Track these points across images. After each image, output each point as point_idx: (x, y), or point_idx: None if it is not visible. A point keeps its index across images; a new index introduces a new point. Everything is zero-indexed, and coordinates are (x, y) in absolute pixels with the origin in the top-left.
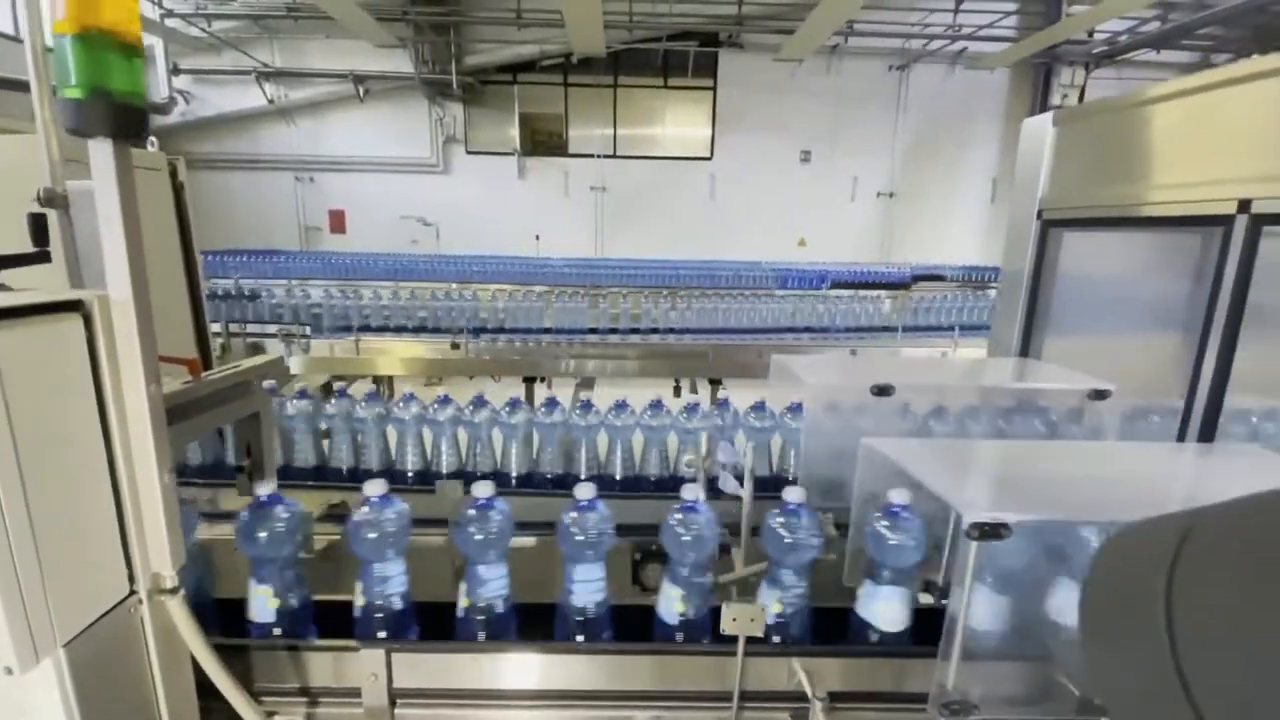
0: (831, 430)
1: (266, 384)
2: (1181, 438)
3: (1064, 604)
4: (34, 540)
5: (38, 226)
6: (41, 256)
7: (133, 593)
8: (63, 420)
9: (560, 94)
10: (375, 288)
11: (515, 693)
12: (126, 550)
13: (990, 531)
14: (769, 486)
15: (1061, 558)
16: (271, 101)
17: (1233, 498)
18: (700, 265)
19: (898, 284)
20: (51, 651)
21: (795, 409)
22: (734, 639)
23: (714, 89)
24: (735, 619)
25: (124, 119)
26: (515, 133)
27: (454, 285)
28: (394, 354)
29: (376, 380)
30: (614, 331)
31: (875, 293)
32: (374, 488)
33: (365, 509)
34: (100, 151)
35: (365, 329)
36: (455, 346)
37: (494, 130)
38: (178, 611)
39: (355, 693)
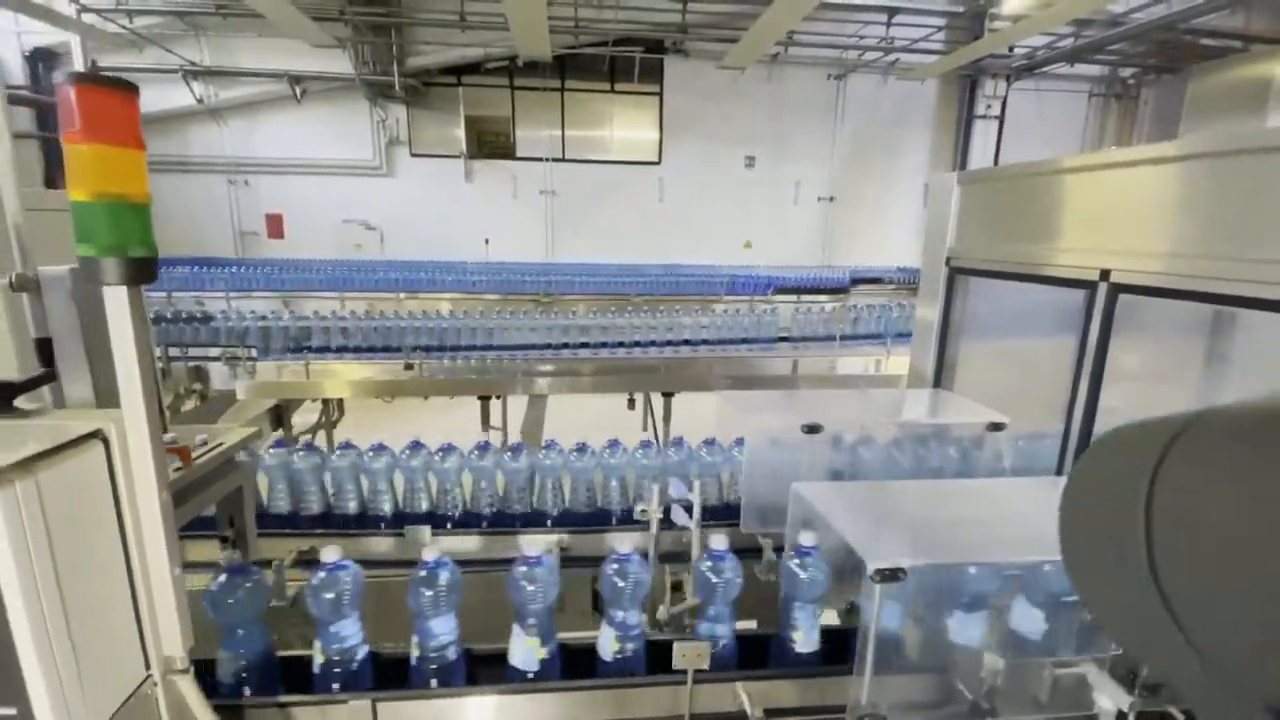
0: (771, 462)
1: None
2: (1060, 464)
3: (957, 625)
4: (71, 641)
5: (44, 350)
6: (49, 377)
7: (148, 675)
8: (89, 533)
9: (507, 96)
10: (321, 299)
11: None
12: (142, 638)
13: (890, 575)
14: (720, 515)
15: (954, 588)
16: (200, 101)
17: (1225, 404)
18: (652, 271)
19: (837, 288)
20: None
21: (742, 442)
22: (683, 671)
23: (660, 94)
24: (685, 655)
25: (138, 269)
26: (461, 135)
27: (402, 296)
28: (345, 376)
29: (325, 402)
30: (567, 347)
31: (817, 297)
32: (330, 553)
33: (322, 574)
34: (116, 297)
35: (314, 349)
36: (409, 367)
37: (439, 132)
38: (189, 690)
39: None
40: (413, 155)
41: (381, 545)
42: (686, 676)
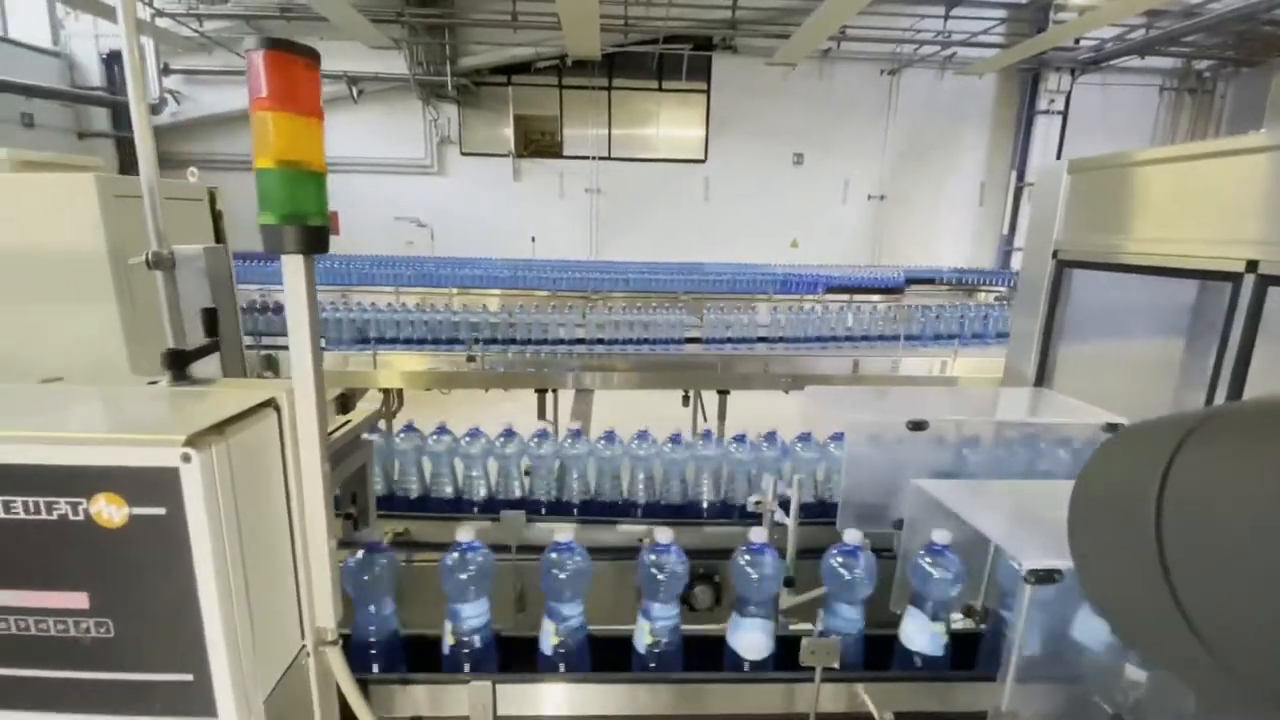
0: (871, 461)
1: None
2: None
3: (1093, 633)
4: (249, 609)
5: (210, 320)
6: (215, 346)
7: (302, 646)
8: (264, 501)
9: (555, 96)
10: (377, 293)
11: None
12: (299, 608)
13: (1045, 576)
14: (813, 513)
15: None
16: None
17: (1239, 400)
18: (700, 269)
19: (891, 288)
20: (256, 706)
21: (837, 438)
22: (803, 667)
23: (708, 92)
24: (814, 651)
25: (314, 238)
26: (510, 134)
27: (454, 291)
28: (408, 367)
29: (385, 392)
30: (620, 342)
31: (869, 297)
32: (464, 533)
33: (455, 554)
34: (292, 265)
35: (380, 340)
36: (471, 359)
37: (489, 132)
38: (337, 662)
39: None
40: (463, 154)
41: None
42: (814, 674)
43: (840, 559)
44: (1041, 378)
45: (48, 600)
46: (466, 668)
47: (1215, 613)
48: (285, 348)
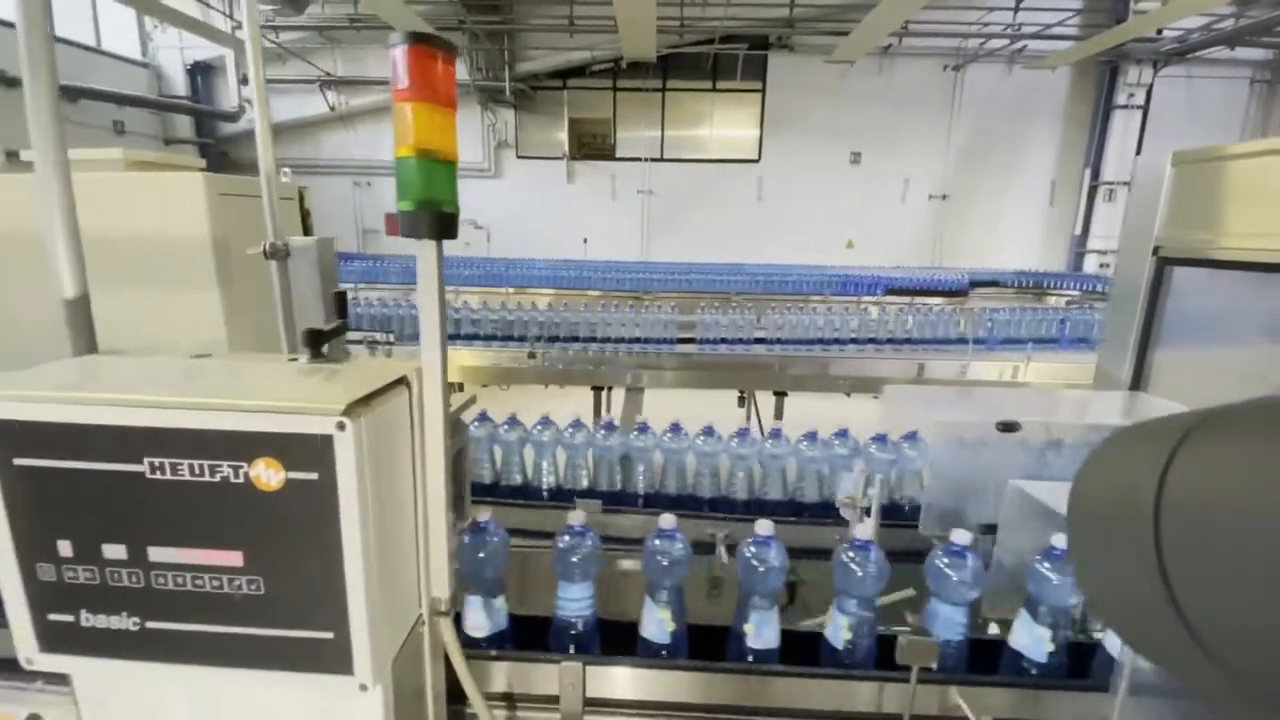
0: (957, 463)
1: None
2: None
3: None
4: (382, 573)
5: (339, 302)
6: (345, 327)
7: (419, 614)
8: (397, 473)
9: (609, 98)
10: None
11: (691, 706)
12: (418, 579)
13: None
14: (888, 515)
15: None
16: (333, 109)
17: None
18: (753, 271)
19: (955, 291)
20: (385, 668)
21: (911, 437)
22: (898, 666)
23: (763, 91)
24: (912, 650)
25: (444, 224)
26: (564, 137)
27: (509, 290)
28: (471, 362)
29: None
30: (679, 341)
31: (930, 299)
32: (576, 516)
33: (567, 536)
34: (425, 250)
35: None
36: (532, 356)
37: (544, 135)
38: (448, 632)
39: (553, 699)
40: (518, 157)
41: (544, 518)
42: (910, 674)
43: (946, 559)
44: (1137, 382)
45: (206, 557)
46: (571, 648)
47: (1215, 617)
48: (358, 342)
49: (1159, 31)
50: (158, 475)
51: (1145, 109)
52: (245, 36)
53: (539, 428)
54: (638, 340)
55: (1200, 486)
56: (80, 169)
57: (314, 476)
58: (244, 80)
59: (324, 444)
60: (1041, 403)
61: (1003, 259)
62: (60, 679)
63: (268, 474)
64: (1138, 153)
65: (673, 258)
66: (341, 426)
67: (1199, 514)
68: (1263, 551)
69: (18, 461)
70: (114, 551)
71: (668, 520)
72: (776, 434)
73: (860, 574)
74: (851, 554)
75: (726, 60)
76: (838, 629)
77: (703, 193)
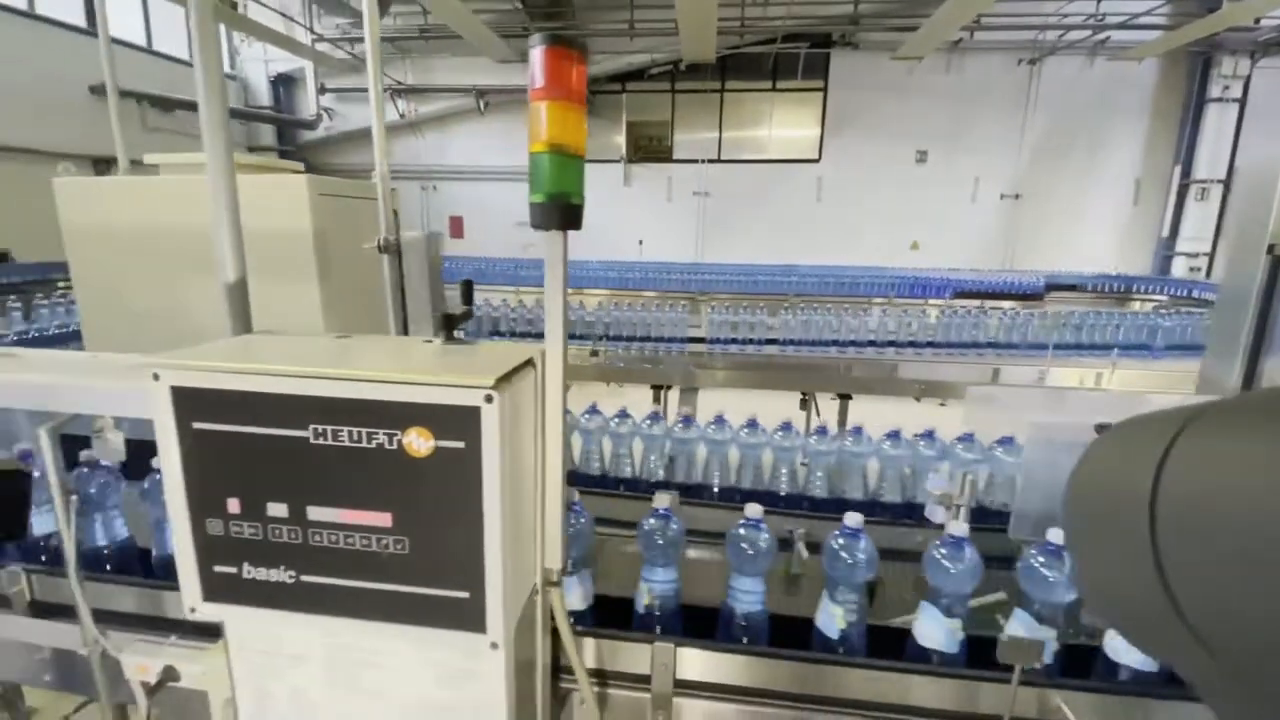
0: (1051, 467)
1: None
2: None
3: None
4: (514, 539)
5: (466, 290)
6: (470, 314)
7: (534, 585)
8: (525, 447)
9: (667, 101)
10: (498, 292)
11: (779, 694)
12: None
13: None
14: (973, 519)
15: None
16: (402, 116)
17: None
18: (813, 272)
19: (1030, 294)
20: (510, 630)
21: (1005, 442)
22: (996, 666)
23: (824, 90)
24: (1016, 650)
25: (571, 215)
26: (622, 140)
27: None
28: None
29: None
30: (746, 342)
31: (1002, 303)
32: (661, 500)
33: (653, 520)
34: (553, 241)
35: (511, 335)
36: (594, 354)
37: (602, 139)
38: (558, 602)
39: (644, 679)
40: None
41: (621, 507)
42: (1013, 674)
43: (1042, 559)
44: (1248, 388)
45: (359, 518)
46: (657, 629)
47: (1211, 610)
48: (429, 340)
49: (1257, 21)
50: (320, 441)
51: (1242, 102)
52: (367, 53)
53: (617, 420)
54: (699, 340)
55: (1197, 478)
56: (200, 172)
57: (460, 445)
58: (322, 90)
59: (472, 415)
60: (1139, 408)
61: (1080, 261)
62: (195, 632)
63: (418, 441)
64: (1234, 149)
65: (729, 260)
66: (489, 399)
67: (1195, 506)
68: (1259, 543)
69: (196, 425)
70: (277, 510)
71: (754, 510)
72: (857, 431)
73: (953, 570)
74: (944, 550)
75: (787, 59)
76: (929, 626)
77: (760, 194)
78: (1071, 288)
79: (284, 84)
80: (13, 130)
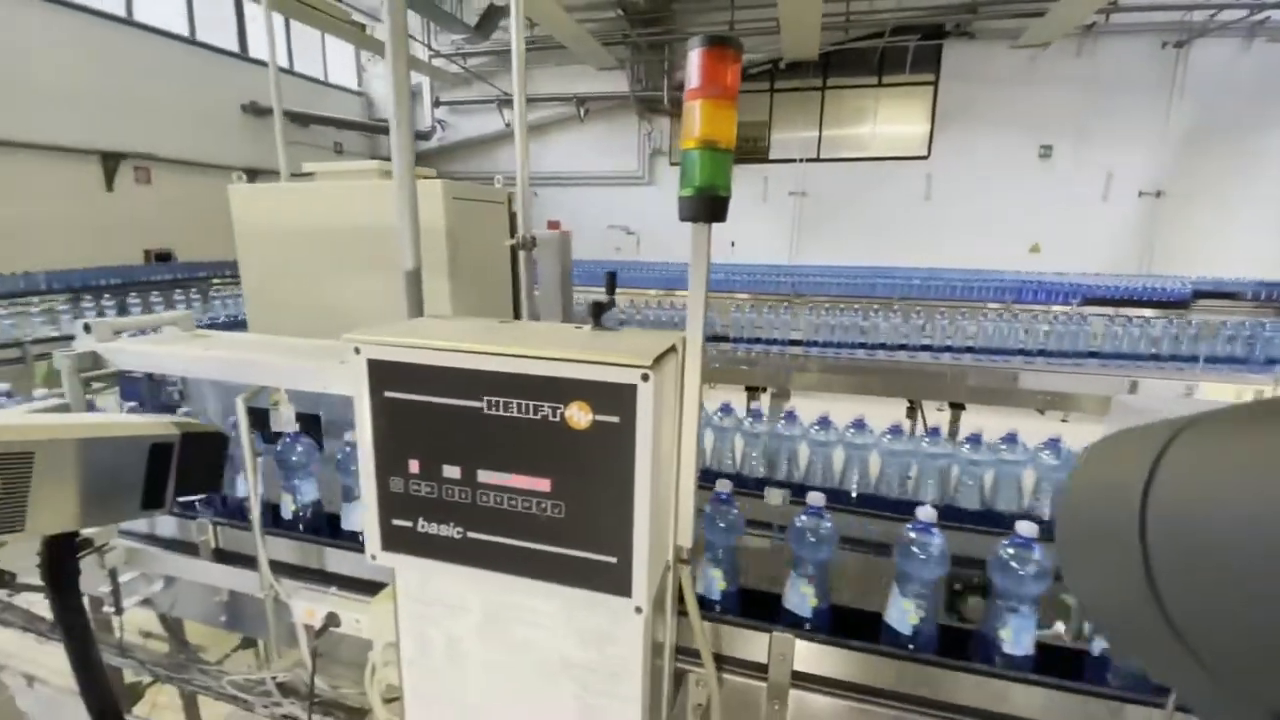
0: None
1: None
2: None
3: None
4: (656, 512)
5: (611, 281)
6: (612, 303)
7: (667, 560)
8: (668, 426)
9: (765, 100)
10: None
11: (915, 698)
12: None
13: None
14: None
15: None
16: (508, 125)
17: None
18: (920, 274)
19: (1174, 301)
20: (649, 598)
21: None
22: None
23: (935, 83)
24: None
25: (718, 207)
26: None
27: (657, 292)
28: None
29: None
30: (848, 346)
31: (1140, 311)
32: (815, 498)
33: (804, 517)
34: (698, 232)
35: None
36: None
37: None
38: (685, 579)
39: (760, 667)
40: (672, 164)
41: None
42: (1168, 700)
43: None
44: None
45: (522, 482)
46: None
47: (1204, 624)
48: None
49: None
50: (492, 411)
51: None
52: (514, 79)
53: (720, 414)
54: (796, 343)
55: (1186, 488)
56: (349, 178)
57: (616, 420)
58: (436, 103)
59: (628, 392)
60: None
61: (1235, 267)
62: (352, 586)
63: (579, 415)
64: None
65: (826, 261)
66: (645, 378)
67: (1185, 516)
68: (1248, 552)
69: (387, 394)
70: (451, 472)
71: (927, 513)
72: (975, 440)
73: (1021, 572)
74: (1011, 551)
75: (894, 53)
76: (1016, 630)
77: (862, 193)
78: (1225, 295)
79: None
80: (175, 144)
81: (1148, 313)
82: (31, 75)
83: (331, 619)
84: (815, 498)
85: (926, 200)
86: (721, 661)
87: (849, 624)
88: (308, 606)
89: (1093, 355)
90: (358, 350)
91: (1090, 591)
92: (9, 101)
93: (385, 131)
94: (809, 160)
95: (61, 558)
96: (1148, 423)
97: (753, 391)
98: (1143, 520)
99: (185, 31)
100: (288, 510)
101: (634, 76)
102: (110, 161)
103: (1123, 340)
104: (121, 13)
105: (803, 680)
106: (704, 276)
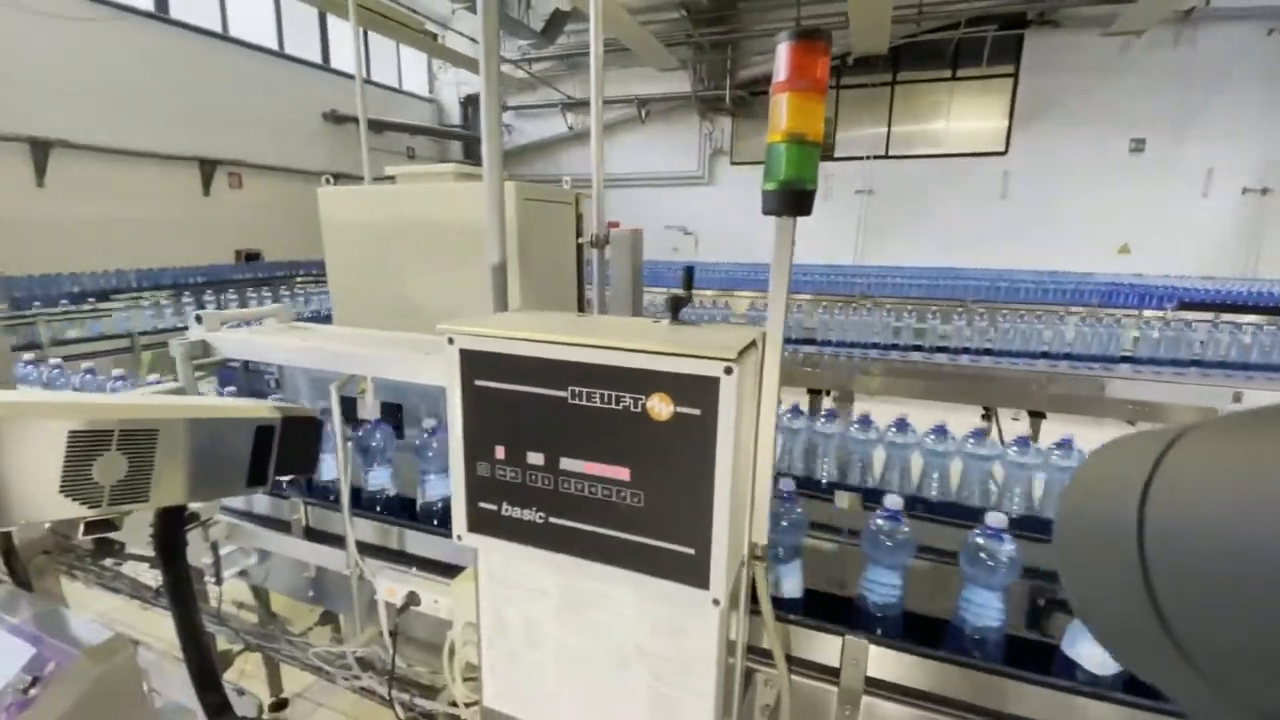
0: None
1: None
2: None
3: None
4: (733, 505)
5: (688, 274)
6: (690, 298)
7: (742, 556)
8: (748, 419)
9: (831, 97)
10: (653, 293)
11: (991, 712)
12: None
13: None
14: None
15: None
16: (570, 128)
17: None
18: (991, 275)
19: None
20: (726, 591)
21: None
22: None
23: (1015, 75)
24: None
25: (803, 201)
26: None
27: (711, 292)
28: None
29: None
30: (916, 349)
31: (1243, 316)
32: (893, 501)
33: (880, 520)
34: (782, 226)
35: None
36: None
37: (759, 140)
38: (760, 574)
39: (831, 671)
40: (732, 164)
41: (811, 509)
42: None
43: None
44: None
45: (603, 470)
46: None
47: (1202, 630)
48: None
49: None
50: (577, 401)
51: None
52: (591, 92)
53: (789, 415)
54: (861, 345)
55: (1185, 493)
56: (428, 180)
57: (698, 412)
58: (504, 107)
59: (711, 385)
60: None
61: None
62: (429, 567)
63: (660, 406)
64: None
65: (892, 261)
66: (729, 371)
67: (1184, 520)
68: (1246, 557)
69: (476, 383)
70: (535, 458)
71: (998, 519)
72: (1064, 444)
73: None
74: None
75: (970, 45)
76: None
77: (932, 191)
78: None
79: (473, 104)
80: (263, 151)
81: (1253, 318)
82: (142, 89)
83: (412, 598)
84: (893, 500)
85: (1003, 198)
86: (792, 663)
87: (922, 630)
88: (390, 585)
89: (1195, 364)
90: (451, 340)
91: (1087, 595)
92: (122, 113)
93: (455, 136)
94: (876, 157)
95: (173, 529)
96: (1144, 430)
97: (815, 394)
98: (1141, 524)
99: (274, 45)
100: (369, 493)
101: (696, 76)
102: (207, 168)
103: (1225, 348)
104: (218, 29)
105: (875, 686)
106: (786, 272)
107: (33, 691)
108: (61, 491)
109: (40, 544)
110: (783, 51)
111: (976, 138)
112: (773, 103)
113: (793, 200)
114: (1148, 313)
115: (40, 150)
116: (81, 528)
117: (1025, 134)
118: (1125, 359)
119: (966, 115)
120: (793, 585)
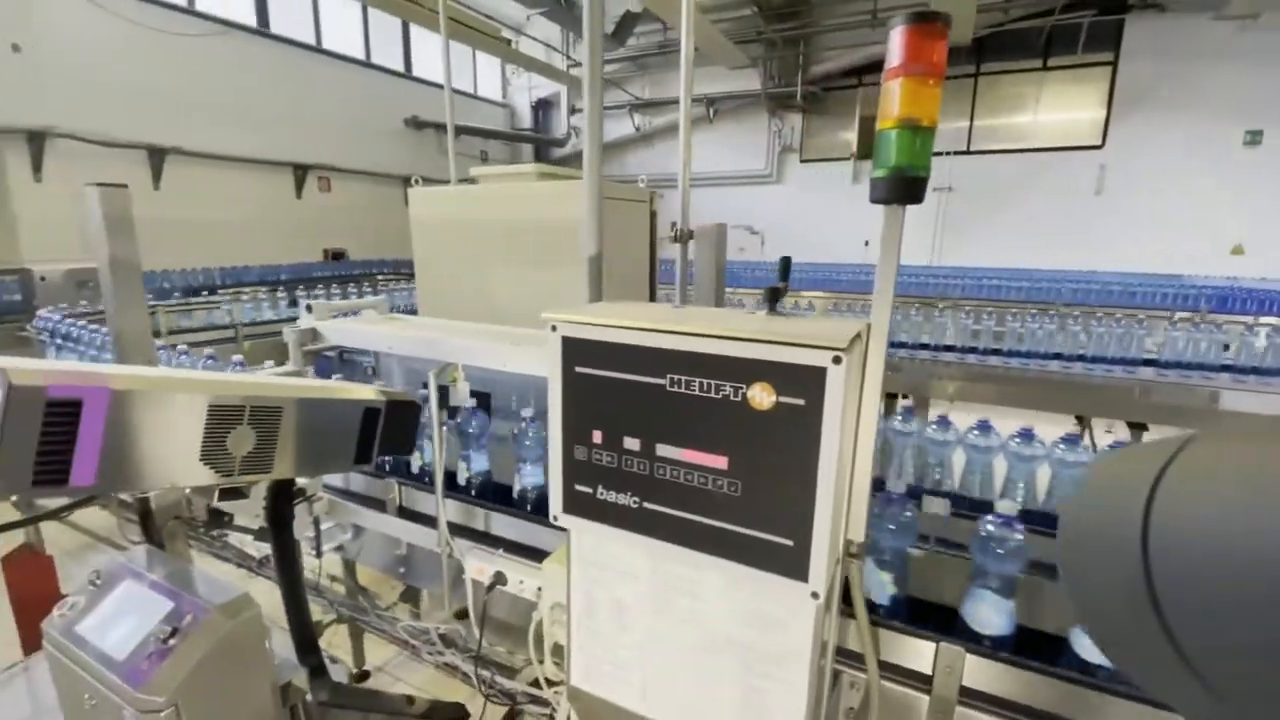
0: None
1: None
2: None
3: None
4: (836, 497)
5: (785, 266)
6: (787, 289)
7: (838, 555)
8: (850, 413)
9: None
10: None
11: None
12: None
13: None
14: None
15: None
16: (638, 129)
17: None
18: (1087, 277)
19: None
20: (825, 585)
21: None
22: None
23: (1114, 64)
24: None
25: (913, 188)
26: (853, 137)
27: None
28: None
29: None
30: (1006, 354)
31: None
32: (1007, 506)
33: (991, 526)
34: (890, 214)
35: None
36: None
37: (830, 137)
38: (855, 572)
39: (924, 678)
40: (802, 161)
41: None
42: None
43: None
44: None
45: (699, 458)
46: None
47: (1204, 635)
48: None
49: None
50: (675, 389)
51: None
52: (681, 91)
53: (900, 418)
54: (942, 348)
55: (1190, 501)
56: (509, 180)
57: (801, 402)
58: (572, 110)
59: (817, 375)
60: None
61: None
62: (514, 550)
63: (761, 395)
64: None
65: (975, 262)
66: (837, 360)
67: (1188, 528)
68: (1249, 564)
69: (578, 369)
70: (631, 444)
71: (1007, 506)
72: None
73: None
74: None
75: (1063, 32)
76: None
77: (1018, 188)
78: None
79: (543, 108)
80: (350, 156)
81: None
82: (244, 99)
83: (499, 578)
84: (1006, 506)
85: (1097, 194)
86: (883, 668)
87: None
88: (479, 564)
89: None
90: (554, 328)
91: (1089, 600)
92: (227, 122)
93: (528, 140)
94: (958, 153)
95: (283, 502)
96: (1148, 441)
97: (890, 399)
98: (1145, 531)
99: (362, 55)
100: (461, 476)
101: (766, 73)
102: (300, 172)
103: None
104: (313, 41)
105: (970, 697)
106: (894, 261)
107: (171, 641)
108: (201, 459)
109: (173, 509)
110: (897, 36)
111: (1069, 130)
112: (884, 90)
113: (903, 187)
114: (1264, 319)
115: (157, 157)
116: (216, 494)
117: (1125, 125)
118: (1241, 369)
119: (1057, 107)
120: (887, 588)
